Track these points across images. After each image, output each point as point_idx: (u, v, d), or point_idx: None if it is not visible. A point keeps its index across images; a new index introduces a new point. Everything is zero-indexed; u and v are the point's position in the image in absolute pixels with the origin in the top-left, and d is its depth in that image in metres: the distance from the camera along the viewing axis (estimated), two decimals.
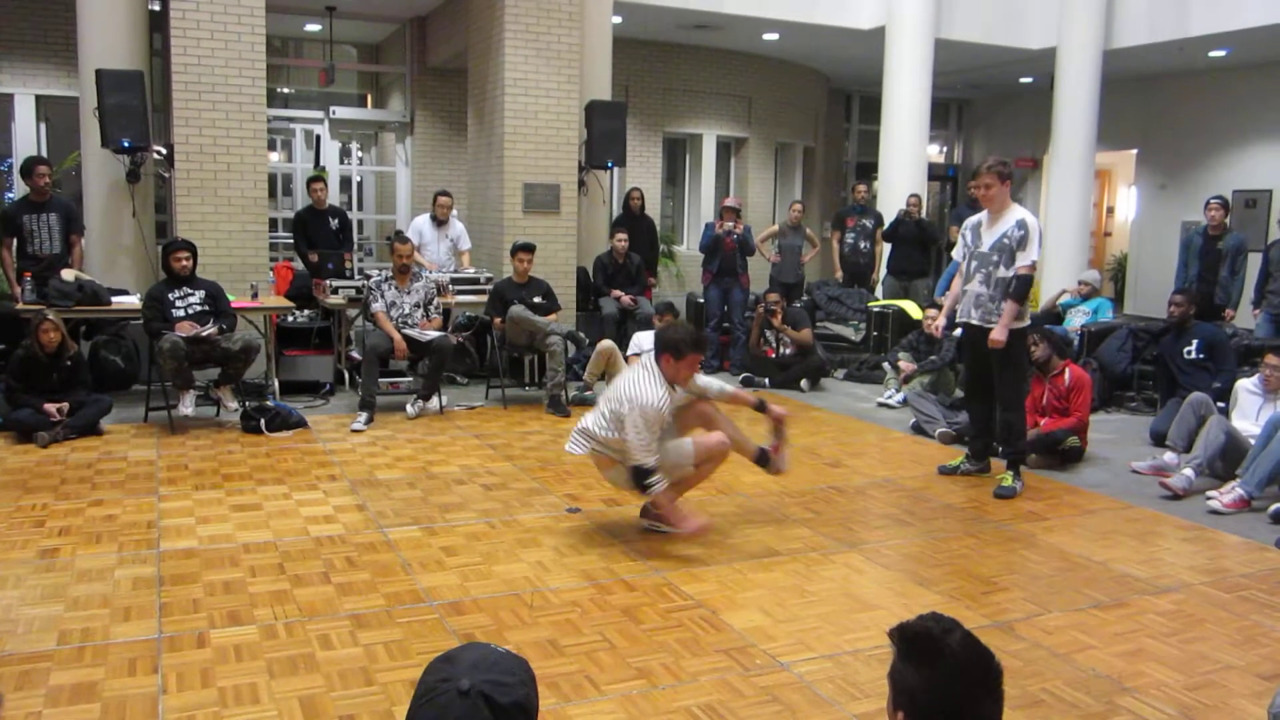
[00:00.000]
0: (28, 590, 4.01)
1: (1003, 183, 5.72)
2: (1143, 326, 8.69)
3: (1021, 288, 5.67)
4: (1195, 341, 7.48)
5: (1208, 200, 9.00)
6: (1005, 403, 5.98)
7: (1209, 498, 5.72)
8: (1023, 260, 5.66)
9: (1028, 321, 5.93)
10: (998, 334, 5.69)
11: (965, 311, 5.99)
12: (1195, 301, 7.77)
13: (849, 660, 3.58)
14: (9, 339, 7.27)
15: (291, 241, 9.68)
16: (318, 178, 9.59)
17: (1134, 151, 15.76)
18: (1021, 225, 5.66)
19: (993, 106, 18.19)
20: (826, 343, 10.05)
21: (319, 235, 8.99)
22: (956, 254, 6.15)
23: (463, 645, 1.54)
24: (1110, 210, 18.01)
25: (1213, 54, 12.95)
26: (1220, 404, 6.63)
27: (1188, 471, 5.95)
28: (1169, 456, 6.45)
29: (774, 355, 9.23)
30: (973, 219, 6.02)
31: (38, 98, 10.70)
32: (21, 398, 6.42)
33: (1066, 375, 6.58)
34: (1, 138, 11.06)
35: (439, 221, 9.21)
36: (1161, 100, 15.06)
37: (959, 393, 8.05)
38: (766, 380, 9.06)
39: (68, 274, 7.27)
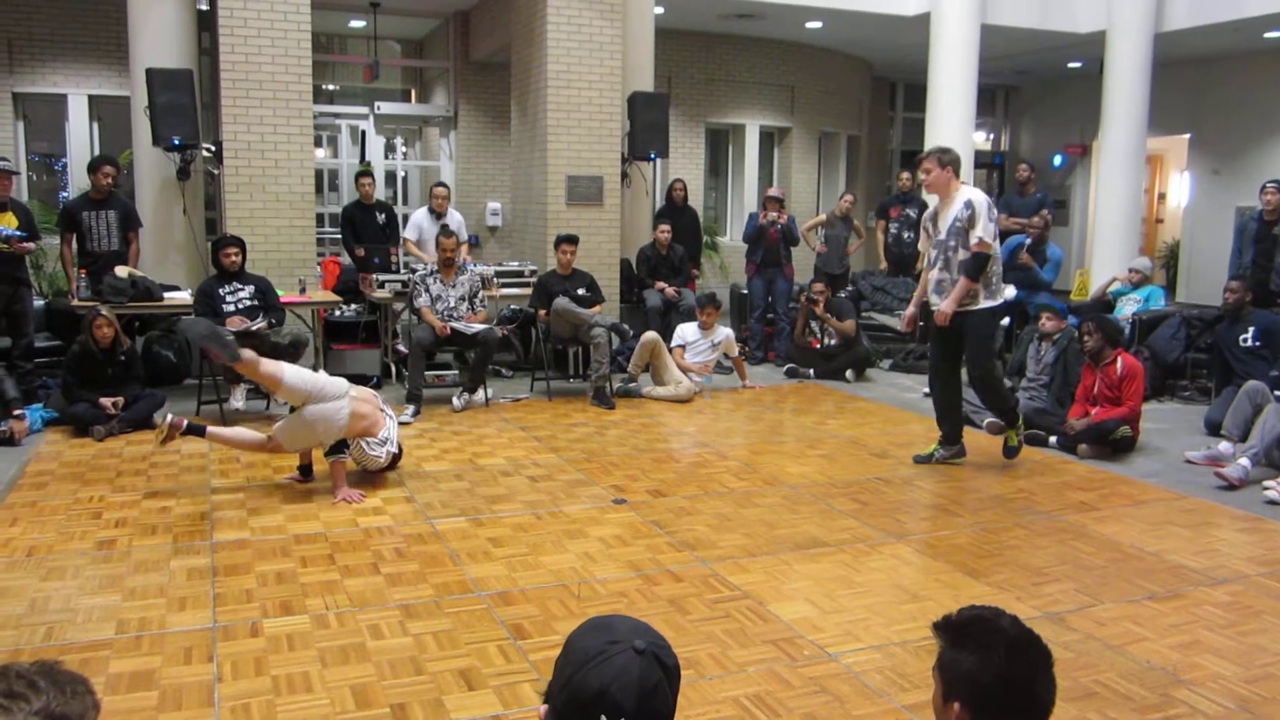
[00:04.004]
0: (86, 580, 4.10)
1: (943, 167, 5.78)
2: (1196, 314, 8.54)
3: (975, 265, 5.71)
4: (1252, 329, 7.35)
5: (1264, 185, 8.78)
6: (972, 362, 6.00)
7: (1266, 488, 5.60)
8: (973, 238, 5.69)
9: (998, 301, 5.92)
10: (945, 306, 5.78)
11: (931, 296, 6.06)
12: (1251, 288, 7.62)
13: (897, 651, 3.56)
14: (67, 335, 7.42)
15: (339, 236, 9.79)
16: (365, 172, 9.69)
17: (1187, 136, 15.45)
18: (968, 205, 5.71)
19: (1040, 92, 17.91)
20: (872, 333, 9.97)
21: (366, 230, 9.07)
22: (921, 245, 6.23)
23: (606, 616, 1.55)
24: (1162, 196, 17.66)
25: (1268, 35, 12.65)
26: (1277, 392, 6.50)
27: (1244, 461, 5.84)
28: (1224, 446, 6.35)
29: (819, 346, 9.18)
30: (931, 208, 6.09)
31: (90, 98, 10.88)
32: (78, 392, 6.56)
33: (1118, 364, 6.48)
34: (56, 137, 11.27)
35: (437, 214, 9.23)
36: (1215, 83, 14.74)
37: (1006, 382, 7.96)
38: (811, 371, 9.02)
39: (121, 271, 7.40)
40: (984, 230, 5.67)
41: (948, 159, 5.79)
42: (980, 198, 5.74)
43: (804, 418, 7.58)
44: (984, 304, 5.83)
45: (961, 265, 5.76)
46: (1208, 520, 5.22)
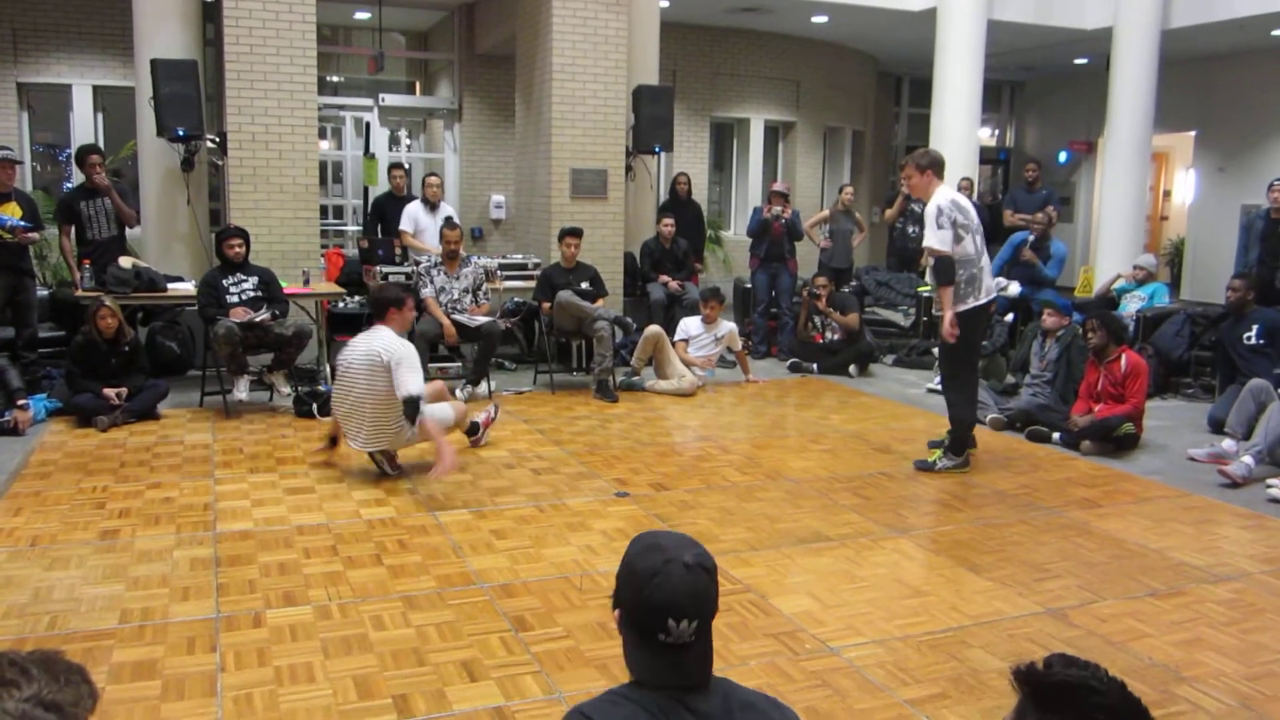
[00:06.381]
0: (90, 570, 4.11)
1: (921, 172, 5.74)
2: (1200, 312, 8.53)
3: (937, 271, 5.70)
4: (1255, 327, 7.33)
5: (1271, 182, 8.77)
6: (944, 384, 6.10)
7: (1269, 486, 5.60)
8: (927, 243, 5.72)
9: (968, 306, 5.75)
10: (946, 325, 5.71)
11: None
12: (1255, 286, 7.61)
13: (899, 645, 3.56)
14: (70, 325, 7.43)
15: (343, 228, 9.80)
16: (398, 165, 9.75)
17: (1192, 133, 15.42)
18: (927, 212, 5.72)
19: (1046, 88, 17.87)
20: (875, 328, 9.97)
21: (395, 221, 9.08)
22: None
23: (654, 533, 1.78)
24: (1167, 194, 17.64)
25: (1275, 33, 12.62)
26: None
27: (1247, 459, 5.83)
28: (1228, 444, 6.34)
29: (822, 340, 9.17)
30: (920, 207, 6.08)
31: (95, 88, 10.89)
32: (81, 383, 6.56)
33: (1122, 361, 6.48)
34: (60, 128, 11.28)
35: (431, 205, 9.18)
36: (1222, 81, 14.70)
37: (1010, 378, 7.97)
38: (815, 365, 9.01)
39: (125, 261, 7.41)
40: (933, 238, 5.62)
41: (924, 162, 5.74)
42: (933, 205, 5.65)
43: (807, 412, 7.58)
44: (958, 308, 5.71)
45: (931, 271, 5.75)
46: (1210, 518, 5.22)
